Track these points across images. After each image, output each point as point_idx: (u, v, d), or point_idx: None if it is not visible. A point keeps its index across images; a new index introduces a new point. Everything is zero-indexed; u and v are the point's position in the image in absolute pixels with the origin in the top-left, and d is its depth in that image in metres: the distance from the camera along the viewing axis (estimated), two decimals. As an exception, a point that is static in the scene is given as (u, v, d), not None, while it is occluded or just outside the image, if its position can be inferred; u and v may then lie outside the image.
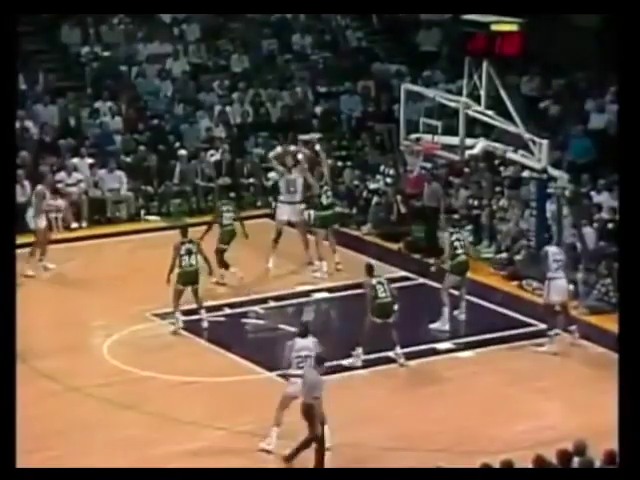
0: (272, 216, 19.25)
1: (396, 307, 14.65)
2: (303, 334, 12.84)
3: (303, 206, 18.56)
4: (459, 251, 16.11)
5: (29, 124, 21.62)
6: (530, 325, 15.97)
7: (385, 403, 13.85)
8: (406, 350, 14.81)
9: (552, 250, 15.53)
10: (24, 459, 12.00)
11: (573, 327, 15.44)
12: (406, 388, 14.18)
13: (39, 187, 18.52)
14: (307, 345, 12.70)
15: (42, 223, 18.17)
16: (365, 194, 20.96)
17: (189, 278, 15.46)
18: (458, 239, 16.25)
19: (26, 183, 19.93)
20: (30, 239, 18.10)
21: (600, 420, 12.08)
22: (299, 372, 12.47)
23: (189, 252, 15.53)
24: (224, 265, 17.21)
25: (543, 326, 15.60)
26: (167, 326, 15.51)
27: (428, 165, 20.27)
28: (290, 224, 18.32)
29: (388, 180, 20.91)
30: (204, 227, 17.49)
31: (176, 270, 15.43)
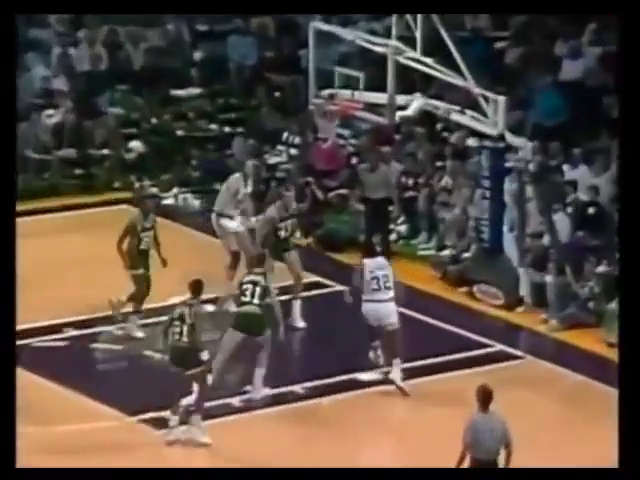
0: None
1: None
2: None
3: None
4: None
5: None
6: (485, 346, 16.21)
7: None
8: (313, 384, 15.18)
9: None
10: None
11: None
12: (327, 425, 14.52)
13: None
14: None
15: None
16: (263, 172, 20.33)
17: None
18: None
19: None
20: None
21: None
22: None
23: None
24: None
25: (502, 346, 16.08)
26: None
27: (346, 132, 20.72)
28: None
29: (292, 152, 20.93)
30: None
31: None
